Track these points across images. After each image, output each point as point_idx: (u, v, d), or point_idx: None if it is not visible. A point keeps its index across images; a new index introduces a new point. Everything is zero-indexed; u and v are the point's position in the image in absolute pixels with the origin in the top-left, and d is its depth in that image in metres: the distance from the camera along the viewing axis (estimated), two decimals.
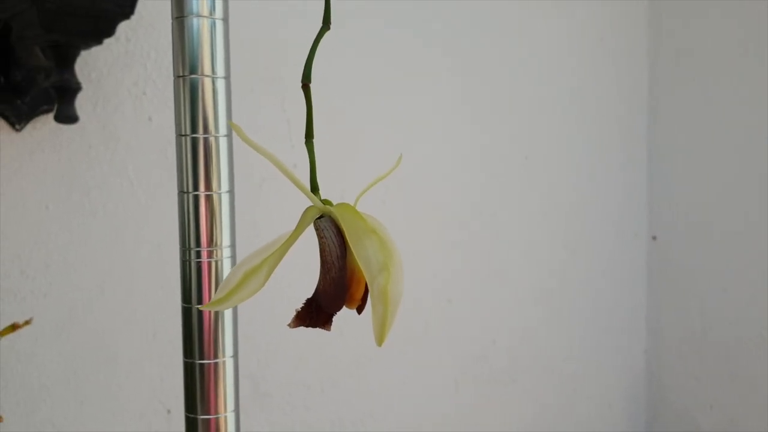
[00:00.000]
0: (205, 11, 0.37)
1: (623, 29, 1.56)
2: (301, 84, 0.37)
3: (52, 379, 0.86)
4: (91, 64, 0.86)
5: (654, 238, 1.59)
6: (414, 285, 1.22)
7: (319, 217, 0.36)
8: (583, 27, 1.48)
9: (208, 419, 0.39)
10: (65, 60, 0.70)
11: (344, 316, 1.19)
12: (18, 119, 0.79)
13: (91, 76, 0.86)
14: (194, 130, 0.37)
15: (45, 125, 0.83)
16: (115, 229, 0.90)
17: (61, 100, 0.72)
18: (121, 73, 0.89)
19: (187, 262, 0.38)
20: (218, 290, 0.34)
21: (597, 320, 1.57)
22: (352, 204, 0.36)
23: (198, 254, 0.38)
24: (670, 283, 1.58)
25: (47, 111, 0.81)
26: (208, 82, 0.37)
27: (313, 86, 1.13)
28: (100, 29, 0.70)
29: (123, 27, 0.87)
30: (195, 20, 0.37)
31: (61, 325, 0.87)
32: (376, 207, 1.14)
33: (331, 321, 0.36)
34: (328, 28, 0.37)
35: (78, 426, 0.88)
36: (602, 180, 1.54)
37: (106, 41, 0.83)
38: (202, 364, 0.39)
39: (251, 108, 1.01)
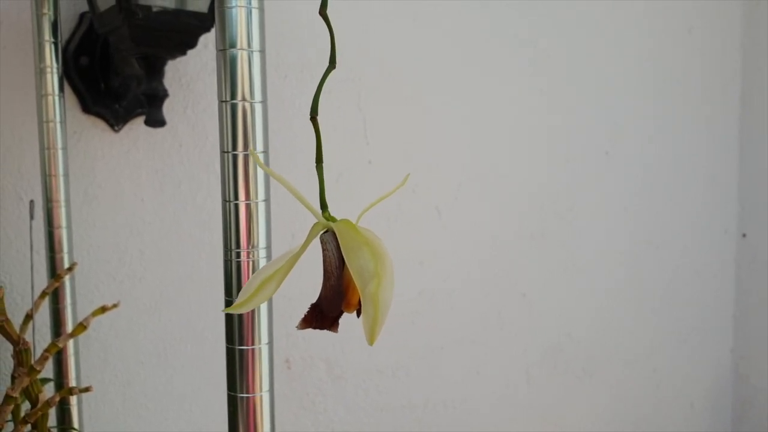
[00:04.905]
0: (245, 44, 0.42)
1: (715, 19, 1.52)
2: (309, 117, 0.42)
3: (146, 354, 0.96)
4: (182, 71, 0.94)
5: (744, 235, 1.54)
6: (487, 277, 1.26)
7: (324, 232, 0.41)
8: (670, 17, 1.45)
9: (246, 397, 0.45)
10: (153, 69, 0.78)
11: (415, 307, 1.23)
12: (116, 121, 0.89)
13: (182, 81, 0.94)
14: (234, 147, 0.43)
15: (140, 126, 0.92)
16: (203, 219, 0.98)
17: (150, 105, 0.80)
18: (209, 78, 0.96)
19: (229, 261, 0.44)
20: (239, 296, 0.40)
21: (682, 317, 1.55)
22: (353, 221, 0.41)
23: (238, 254, 0.44)
24: (760, 281, 1.54)
25: (142, 114, 0.90)
26: (247, 106, 0.43)
27: (393, 82, 1.17)
28: (184, 42, 0.78)
29: (210, 36, 0.95)
30: (236, 52, 0.42)
31: (154, 306, 0.96)
32: (449, 203, 1.18)
33: (337, 324, 0.41)
34: (334, 67, 0.42)
35: (167, 397, 0.98)
36: (690, 175, 1.51)
37: (196, 50, 0.91)
38: (241, 350, 0.45)
39: (330, 107, 1.07)
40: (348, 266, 0.38)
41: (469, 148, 1.21)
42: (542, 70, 1.28)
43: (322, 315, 0.41)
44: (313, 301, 0.41)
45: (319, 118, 1.16)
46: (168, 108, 0.93)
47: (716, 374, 1.61)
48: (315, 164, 0.42)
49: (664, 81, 1.45)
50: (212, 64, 0.97)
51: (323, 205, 0.42)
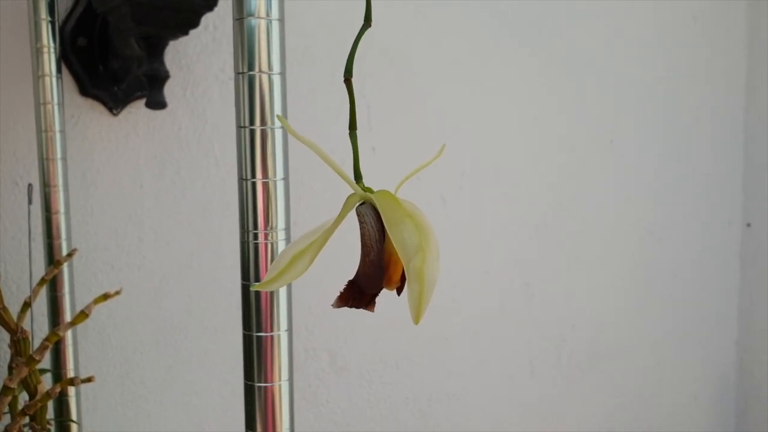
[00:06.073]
0: (263, 13, 0.40)
1: (720, 7, 1.50)
2: (343, 79, 0.39)
3: (145, 344, 0.94)
4: (182, 52, 0.91)
5: (748, 225, 1.53)
6: (490, 267, 1.24)
7: (361, 204, 0.38)
8: (674, 4, 1.43)
9: (264, 387, 0.42)
10: (155, 50, 0.76)
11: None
12: (115, 104, 0.86)
13: (182, 63, 0.91)
14: (252, 122, 0.41)
15: (139, 110, 0.89)
16: (203, 206, 0.96)
17: (151, 87, 0.77)
18: (209, 60, 0.94)
19: (246, 243, 0.42)
20: (268, 272, 0.37)
21: (686, 309, 1.54)
22: (392, 191, 0.38)
23: (256, 236, 0.42)
24: (766, 272, 1.52)
25: (141, 97, 0.87)
26: (265, 78, 0.40)
27: (397, 70, 1.15)
28: (186, 21, 0.75)
29: (211, 17, 0.92)
30: (253, 21, 0.40)
31: (152, 294, 0.94)
32: (453, 192, 1.16)
33: (374, 302, 0.39)
34: (369, 25, 0.39)
35: (166, 387, 0.96)
36: (694, 164, 1.50)
37: (195, 31, 0.88)
38: (259, 337, 0.42)
39: (333, 91, 1.05)
40: (391, 240, 0.36)
41: (473, 136, 1.19)
42: (546, 59, 1.26)
43: (360, 292, 0.38)
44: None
45: (320, 103, 1.13)
46: (167, 91, 0.90)
47: (720, 367, 1.60)
48: (348, 131, 0.39)
49: (668, 69, 1.44)
50: (212, 46, 0.94)
51: (357, 176, 0.39)
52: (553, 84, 1.27)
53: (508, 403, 1.29)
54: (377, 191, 0.37)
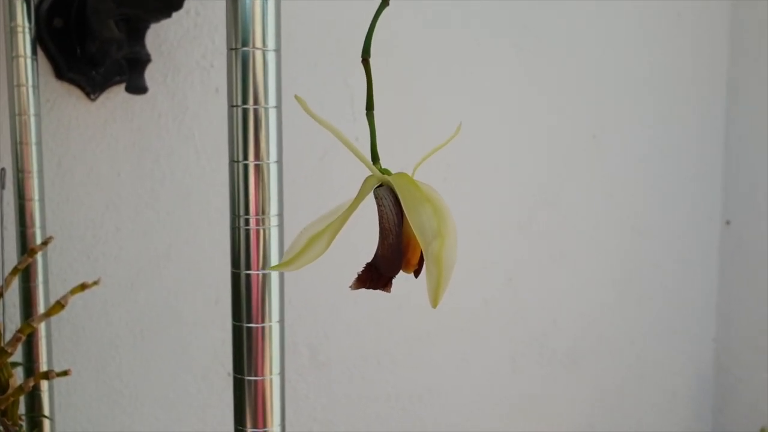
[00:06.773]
0: None
1: (703, 3, 1.50)
2: (361, 59, 0.38)
3: (121, 337, 0.91)
4: (162, 37, 0.89)
5: (728, 222, 1.54)
6: (474, 263, 1.22)
7: (379, 186, 0.37)
8: (658, 1, 1.43)
9: (255, 380, 0.41)
10: (136, 33, 0.73)
11: (401, 292, 1.20)
12: (92, 89, 0.83)
13: (162, 49, 0.89)
14: (245, 101, 0.39)
15: (118, 95, 0.86)
16: (182, 196, 0.93)
17: (131, 71, 0.74)
18: (191, 46, 0.91)
19: (237, 229, 0.40)
20: (285, 253, 0.37)
21: (665, 306, 1.54)
22: (409, 173, 0.37)
23: (247, 222, 0.40)
24: (744, 270, 1.53)
25: (120, 82, 0.85)
26: (259, 54, 0.38)
27: (381, 61, 1.13)
28: (169, 3, 0.72)
29: (192, 1, 0.90)
30: None
31: (129, 286, 0.91)
32: (437, 185, 1.14)
33: (391, 283, 0.38)
34: (387, 4, 0.38)
35: (144, 382, 0.93)
36: (675, 161, 1.50)
37: (177, 15, 0.85)
38: (249, 328, 0.40)
39: (316, 81, 1.03)
40: (409, 224, 0.35)
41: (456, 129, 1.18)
42: (529, 53, 1.25)
43: (379, 274, 0.37)
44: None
45: (302, 93, 1.11)
46: (147, 77, 0.87)
47: (698, 364, 1.61)
48: (365, 112, 0.38)
49: (651, 65, 1.43)
50: (194, 31, 0.91)
51: (375, 157, 0.38)
52: (535, 79, 1.26)
53: (489, 399, 1.28)
54: (395, 173, 0.37)
